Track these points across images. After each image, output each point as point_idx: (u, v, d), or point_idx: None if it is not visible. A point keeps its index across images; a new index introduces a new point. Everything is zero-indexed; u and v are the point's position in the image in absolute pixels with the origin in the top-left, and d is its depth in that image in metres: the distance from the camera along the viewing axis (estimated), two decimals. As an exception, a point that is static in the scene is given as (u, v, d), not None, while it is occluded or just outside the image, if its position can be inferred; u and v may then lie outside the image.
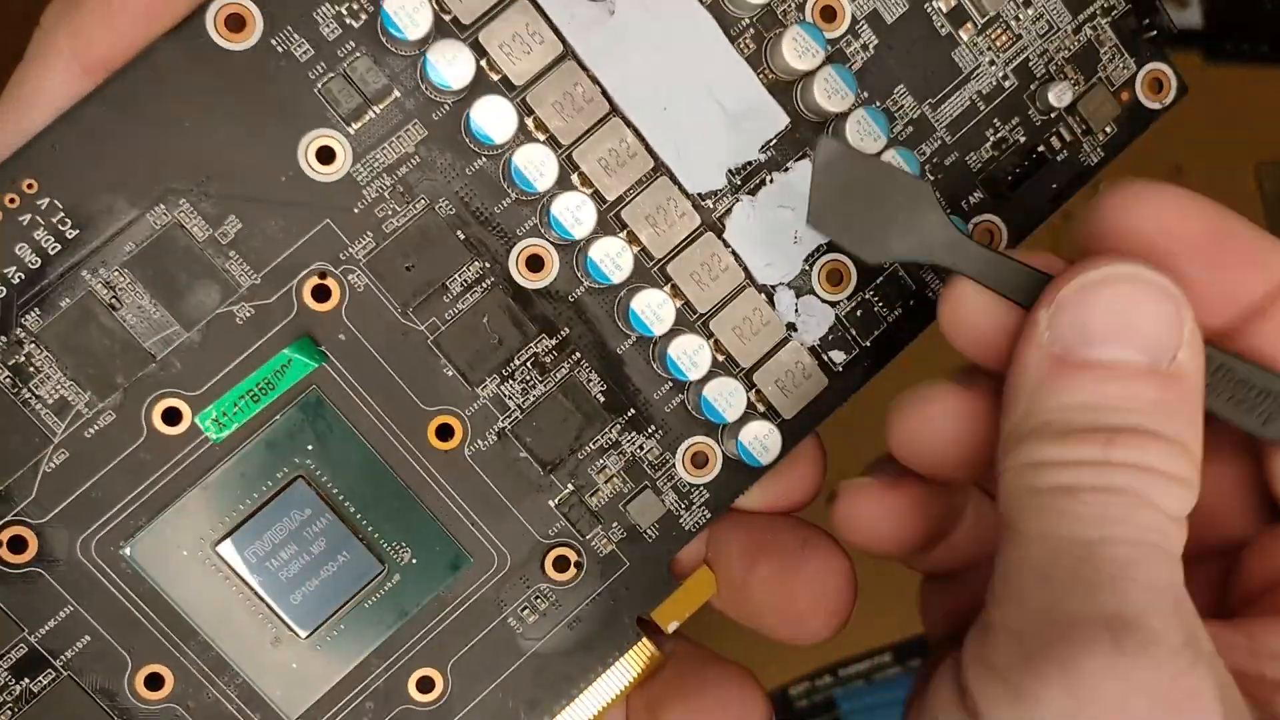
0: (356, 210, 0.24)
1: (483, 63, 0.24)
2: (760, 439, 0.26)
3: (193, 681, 0.25)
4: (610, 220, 0.25)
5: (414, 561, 0.25)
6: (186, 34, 0.23)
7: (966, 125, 0.27)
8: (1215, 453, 0.21)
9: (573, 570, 0.26)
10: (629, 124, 0.25)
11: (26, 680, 0.24)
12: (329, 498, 0.25)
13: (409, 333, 0.25)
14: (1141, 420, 0.20)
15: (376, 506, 0.25)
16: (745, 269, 0.26)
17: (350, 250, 0.24)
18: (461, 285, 0.25)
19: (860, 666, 0.51)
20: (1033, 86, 0.27)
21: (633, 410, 0.26)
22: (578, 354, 0.26)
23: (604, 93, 0.25)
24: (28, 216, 0.23)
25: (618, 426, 0.26)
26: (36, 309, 0.23)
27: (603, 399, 0.26)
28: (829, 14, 0.26)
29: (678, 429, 0.26)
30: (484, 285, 0.25)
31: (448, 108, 0.25)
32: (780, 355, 0.26)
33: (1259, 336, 0.22)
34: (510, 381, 0.25)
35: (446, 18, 0.24)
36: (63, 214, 0.23)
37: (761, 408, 0.27)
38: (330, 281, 0.24)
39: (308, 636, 0.25)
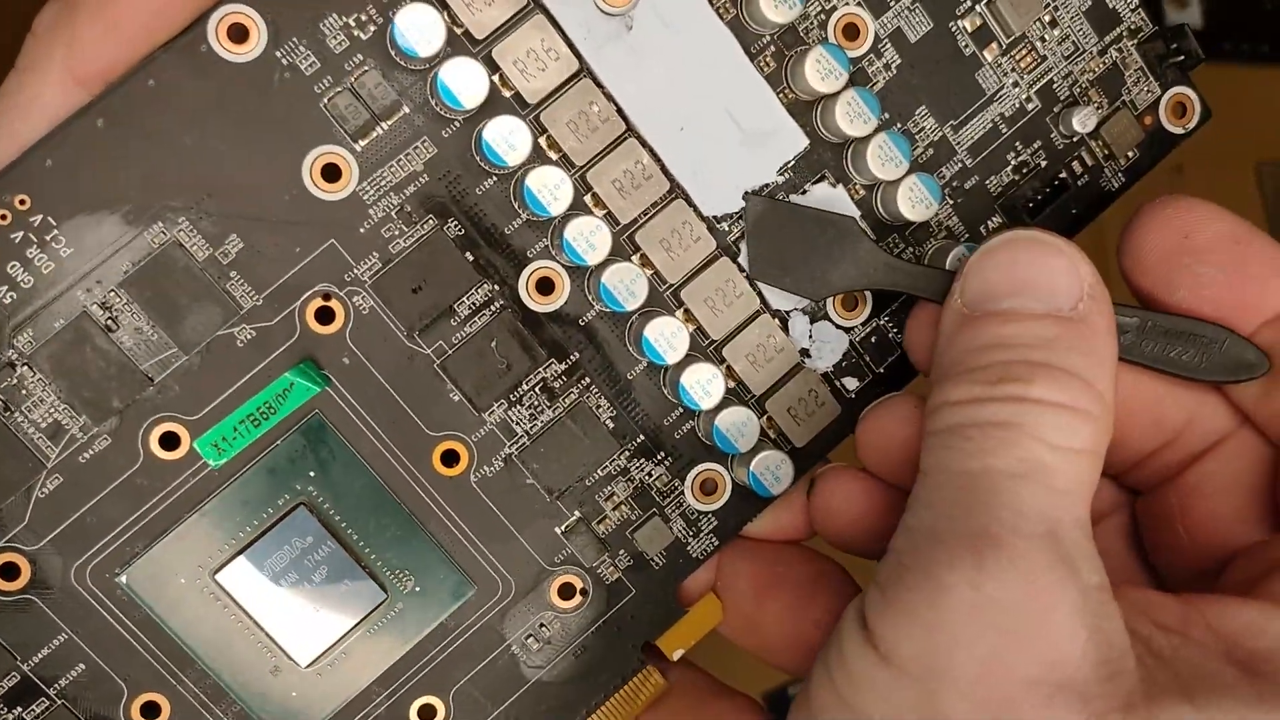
0: (362, 230, 0.24)
1: (495, 78, 0.24)
2: (773, 469, 0.26)
3: (190, 710, 0.24)
4: (624, 243, 0.25)
5: (417, 589, 0.25)
6: (187, 45, 0.22)
7: (988, 148, 0.26)
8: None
9: (578, 598, 0.26)
10: (645, 144, 0.24)
11: (19, 709, 0.23)
12: (331, 525, 0.24)
13: (415, 356, 0.24)
14: (1031, 354, 0.21)
15: (380, 533, 0.24)
16: (759, 294, 0.26)
17: (355, 271, 0.24)
18: (469, 308, 0.24)
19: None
20: (1056, 109, 0.27)
21: (642, 436, 0.26)
22: (587, 379, 0.25)
23: (619, 111, 0.24)
24: (20, 234, 0.22)
25: (626, 453, 0.26)
26: (29, 330, 0.22)
27: (611, 425, 0.25)
28: (852, 31, 0.25)
29: (687, 456, 0.26)
30: (493, 308, 0.24)
31: (458, 125, 0.24)
32: (793, 382, 0.26)
33: None
34: (518, 406, 0.25)
35: (458, 31, 0.23)
36: (56, 231, 0.22)
37: (773, 435, 0.26)
38: (334, 303, 0.24)
39: (308, 666, 0.24)
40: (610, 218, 0.25)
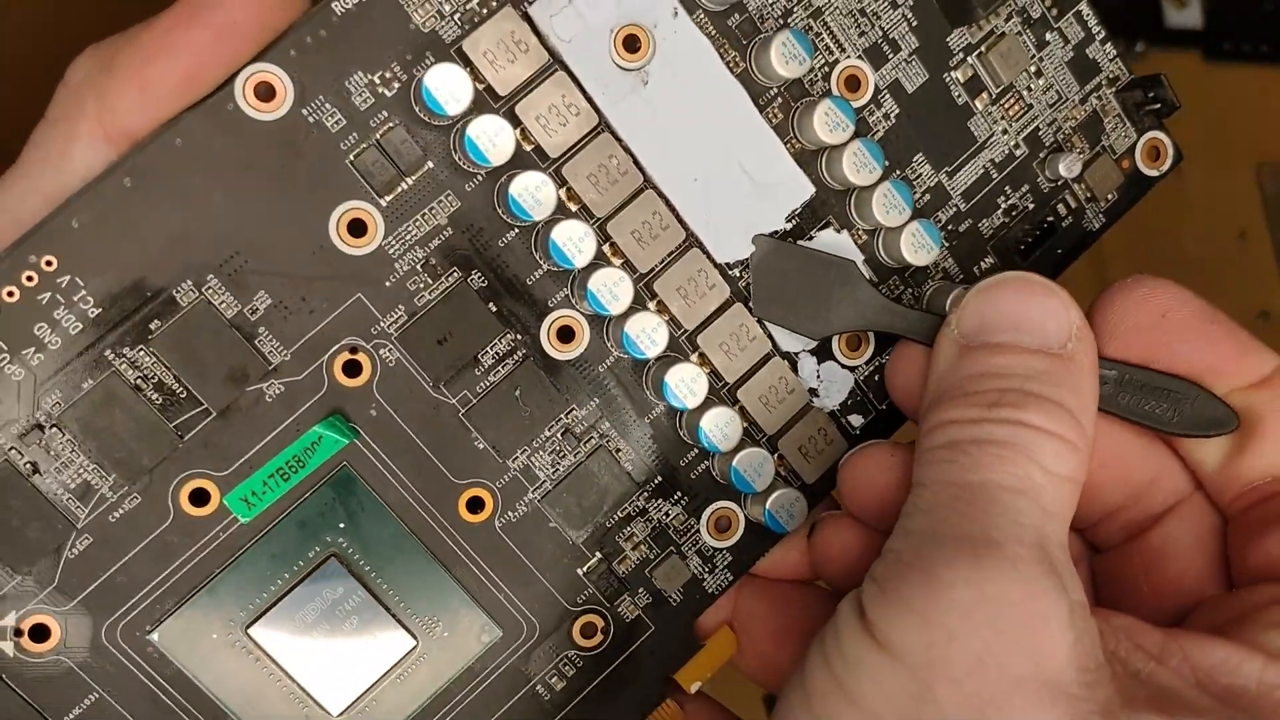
0: (388, 283, 0.24)
1: (517, 133, 0.24)
2: (787, 506, 0.26)
3: (222, 763, 0.24)
4: (641, 291, 0.25)
5: (445, 635, 0.25)
6: (214, 104, 0.22)
7: (980, 192, 0.28)
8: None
9: (599, 636, 0.26)
10: (661, 195, 0.25)
11: (51, 771, 0.23)
12: (361, 575, 0.24)
13: (440, 406, 0.25)
14: (1025, 384, 0.22)
15: (408, 581, 0.25)
16: (770, 337, 0.26)
17: (382, 324, 0.24)
18: (493, 358, 0.25)
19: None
20: (1042, 154, 0.28)
21: (660, 478, 0.26)
22: (606, 423, 0.26)
23: (637, 164, 0.25)
24: (47, 295, 0.22)
25: (645, 494, 0.26)
26: (56, 392, 0.22)
27: (630, 467, 0.26)
28: (853, 83, 0.26)
29: (702, 494, 0.27)
30: (515, 357, 0.25)
31: (480, 179, 0.24)
32: (803, 422, 0.27)
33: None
34: (540, 453, 0.25)
35: (480, 87, 0.24)
36: (84, 292, 0.22)
37: (784, 473, 0.27)
38: (361, 356, 0.24)
39: (340, 715, 0.25)
40: (628, 266, 0.25)
